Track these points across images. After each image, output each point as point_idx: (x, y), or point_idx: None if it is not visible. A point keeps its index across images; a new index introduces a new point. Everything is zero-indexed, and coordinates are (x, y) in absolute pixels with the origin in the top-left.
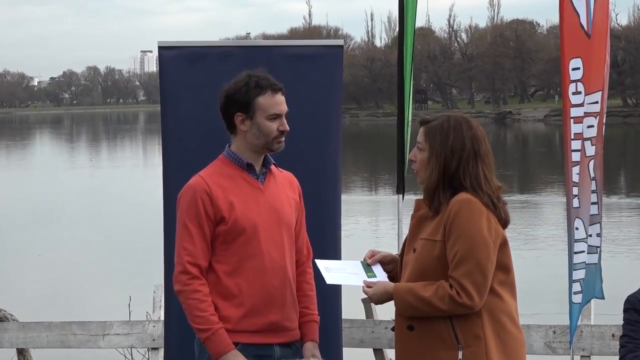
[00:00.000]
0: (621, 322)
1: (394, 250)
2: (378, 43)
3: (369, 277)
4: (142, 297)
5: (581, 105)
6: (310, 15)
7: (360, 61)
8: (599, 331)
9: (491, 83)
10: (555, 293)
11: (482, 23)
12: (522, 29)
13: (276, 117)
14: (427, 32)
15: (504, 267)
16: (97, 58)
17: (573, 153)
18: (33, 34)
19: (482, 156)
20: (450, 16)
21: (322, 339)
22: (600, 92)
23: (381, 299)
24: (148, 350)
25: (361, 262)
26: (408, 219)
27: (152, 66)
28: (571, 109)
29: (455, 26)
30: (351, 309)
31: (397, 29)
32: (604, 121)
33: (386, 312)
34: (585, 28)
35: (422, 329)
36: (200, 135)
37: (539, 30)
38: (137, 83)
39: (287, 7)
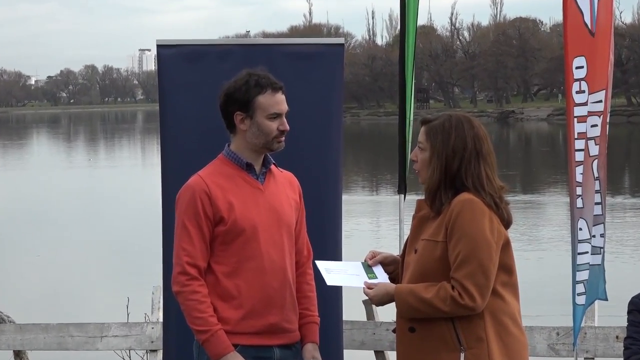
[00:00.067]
0: (625, 324)
1: (395, 251)
2: (379, 41)
3: (369, 278)
4: (141, 299)
5: (585, 104)
6: (310, 13)
7: (361, 60)
8: (602, 333)
9: (494, 82)
10: (559, 294)
11: (485, 21)
12: (525, 27)
13: (276, 116)
14: (428, 30)
15: (507, 268)
16: (95, 57)
17: (577, 153)
18: (30, 32)
19: (484, 156)
20: (452, 14)
21: (322, 340)
22: (604, 91)
23: (382, 300)
24: (146, 352)
25: (362, 263)
26: (409, 220)
27: (150, 65)
28: (575, 108)
29: (457, 24)
30: (352, 310)
31: (399, 27)
32: (608, 120)
33: (387, 313)
34: (589, 26)
35: (423, 330)
36: (199, 135)
37: (542, 29)
38: (135, 82)
39: (287, 5)
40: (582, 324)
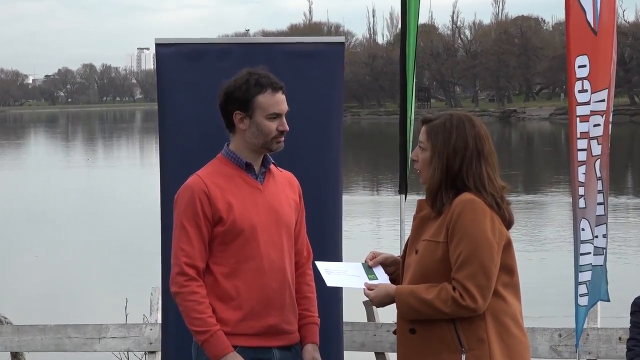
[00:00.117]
0: (628, 325)
1: (396, 251)
2: (380, 40)
3: (370, 279)
4: (139, 300)
5: (587, 103)
6: (310, 12)
7: (361, 58)
8: (605, 334)
9: (495, 81)
10: (561, 295)
11: (487, 19)
12: (527, 25)
13: (276, 116)
14: (430, 29)
15: (508, 269)
16: (93, 55)
17: (579, 152)
18: (27, 30)
19: (486, 155)
20: (453, 12)
21: (322, 342)
22: (607, 90)
23: (383, 301)
24: (145, 353)
25: (362, 264)
26: (410, 220)
27: (149, 64)
28: (577, 107)
29: (458, 23)
30: (352, 311)
31: (400, 26)
32: (611, 120)
33: (388, 314)
34: (592, 25)
35: (424, 332)
36: (198, 134)
37: (544, 27)
38: (134, 81)
39: (287, 3)
40: (585, 326)
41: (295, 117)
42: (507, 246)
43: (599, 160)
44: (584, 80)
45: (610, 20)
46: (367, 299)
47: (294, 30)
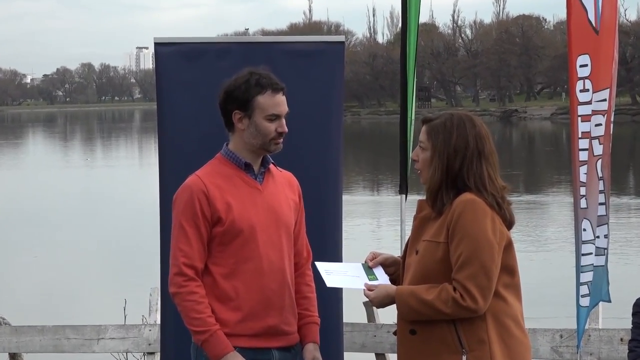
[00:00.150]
0: (630, 326)
1: (396, 252)
2: (380, 39)
3: (370, 279)
4: (138, 300)
5: (589, 103)
6: (310, 11)
7: (361, 58)
8: (607, 335)
9: (496, 80)
10: (562, 296)
11: (487, 19)
12: (529, 24)
13: (275, 117)
14: (430, 28)
15: (509, 270)
16: (92, 55)
17: (580, 152)
18: (25, 30)
19: (487, 155)
20: (454, 11)
21: (322, 343)
22: (609, 90)
23: (383, 302)
24: (144, 354)
25: (362, 264)
26: (411, 220)
27: (148, 63)
28: (579, 106)
29: (459, 22)
30: (352, 312)
31: (400, 25)
32: (612, 119)
33: (388, 315)
34: (594, 24)
35: (425, 333)
36: (198, 134)
37: (545, 26)
38: (133, 80)
39: (286, 2)
40: (586, 326)
41: (295, 116)
42: (508, 246)
43: (600, 160)
44: (586, 80)
45: (611, 19)
46: (367, 299)
47: (293, 29)
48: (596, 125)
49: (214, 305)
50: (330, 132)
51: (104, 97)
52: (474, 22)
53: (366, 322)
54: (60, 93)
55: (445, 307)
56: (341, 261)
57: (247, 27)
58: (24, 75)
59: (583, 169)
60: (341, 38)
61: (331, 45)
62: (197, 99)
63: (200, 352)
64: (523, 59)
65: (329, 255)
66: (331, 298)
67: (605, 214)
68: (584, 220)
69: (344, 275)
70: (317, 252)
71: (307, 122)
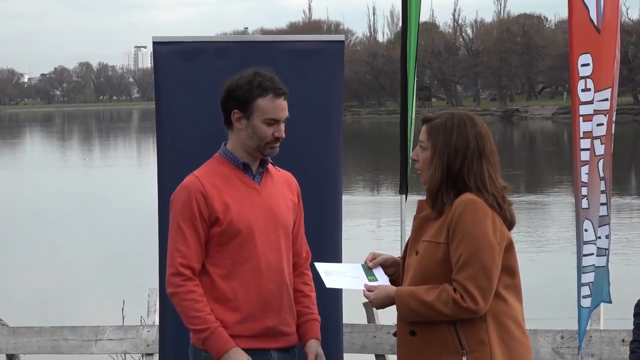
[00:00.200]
0: (631, 327)
1: (396, 252)
2: (380, 38)
3: (370, 280)
4: (136, 301)
5: (590, 102)
6: (310, 10)
7: (362, 57)
8: (608, 336)
9: (497, 80)
10: (563, 297)
11: (488, 17)
12: (530, 23)
13: (273, 122)
14: (431, 27)
15: (510, 270)
16: (89, 54)
17: (582, 152)
18: (23, 29)
19: (487, 155)
20: (455, 10)
21: (322, 343)
22: (610, 89)
23: (383, 303)
24: (142, 355)
25: (362, 265)
26: (411, 220)
27: (146, 62)
28: (580, 106)
29: (460, 21)
30: (352, 313)
31: (400, 24)
32: (614, 119)
33: (388, 316)
34: (595, 23)
35: (425, 334)
36: (196, 134)
37: (547, 25)
38: (131, 80)
39: (286, 1)
40: (588, 327)
41: (294, 116)
42: (509, 247)
43: (602, 160)
44: (587, 79)
45: (613, 18)
46: (367, 300)
47: (293, 28)
48: (598, 125)
49: (212, 306)
50: (330, 132)
51: (102, 97)
52: (475, 21)
53: (366, 323)
54: (58, 92)
55: (446, 308)
56: (341, 262)
57: (246, 26)
58: (22, 75)
59: (584, 169)
60: (341, 37)
61: (331, 44)
62: (196, 99)
63: (198, 354)
64: (524, 58)
65: (329, 256)
66: (331, 299)
67: (606, 214)
68: (586, 220)
69: (343, 275)
70: (316, 252)
71: (306, 122)
